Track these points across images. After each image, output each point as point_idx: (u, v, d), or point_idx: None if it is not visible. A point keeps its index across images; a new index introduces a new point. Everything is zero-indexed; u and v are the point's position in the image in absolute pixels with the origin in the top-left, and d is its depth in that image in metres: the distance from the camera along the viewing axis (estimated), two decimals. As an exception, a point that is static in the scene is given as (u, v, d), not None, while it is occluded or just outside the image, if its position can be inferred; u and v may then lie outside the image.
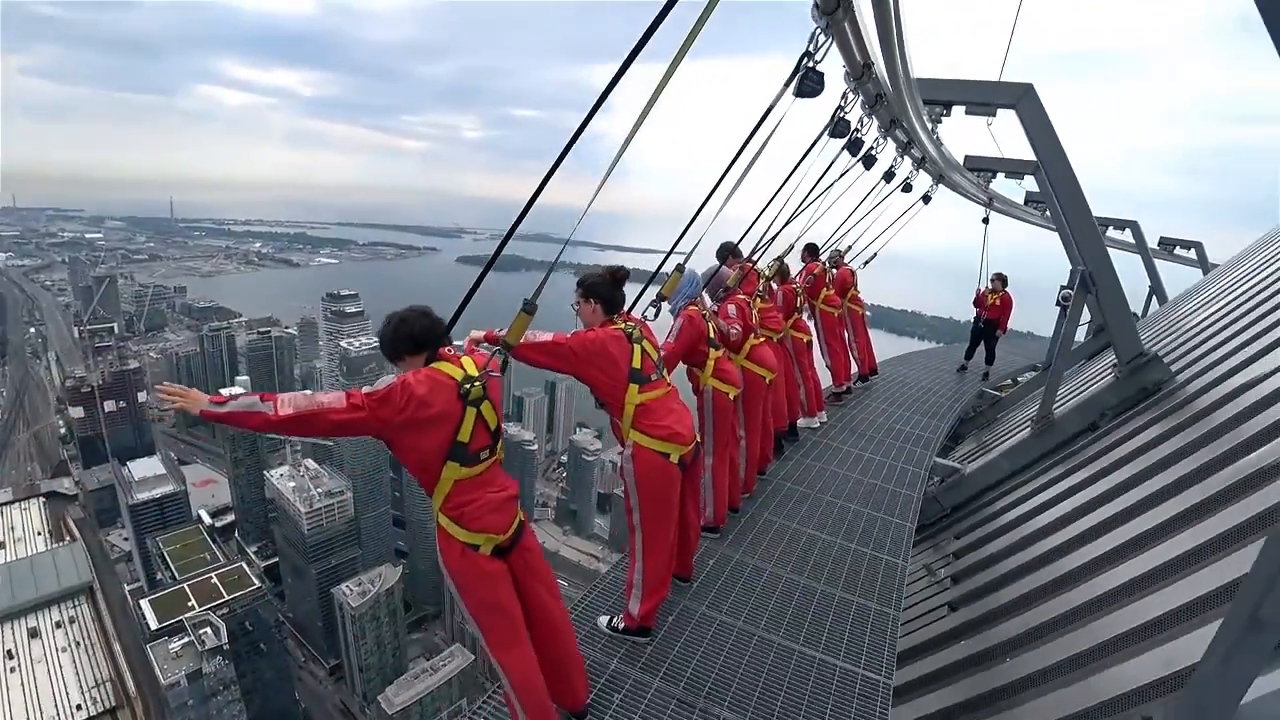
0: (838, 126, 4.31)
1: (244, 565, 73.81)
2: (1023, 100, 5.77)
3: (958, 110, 6.12)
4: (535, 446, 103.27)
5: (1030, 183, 9.94)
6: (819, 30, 2.79)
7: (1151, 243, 16.42)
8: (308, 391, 2.38)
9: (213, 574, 69.37)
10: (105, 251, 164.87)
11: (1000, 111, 5.93)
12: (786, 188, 4.89)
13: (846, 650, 3.63)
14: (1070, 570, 4.64)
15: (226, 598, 66.22)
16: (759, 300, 6.12)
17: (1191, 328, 7.67)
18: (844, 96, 4.23)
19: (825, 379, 8.60)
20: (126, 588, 72.13)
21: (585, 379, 3.28)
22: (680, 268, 3.84)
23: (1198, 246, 16.79)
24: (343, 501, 78.48)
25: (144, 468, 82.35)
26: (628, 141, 2.52)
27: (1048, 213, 10.92)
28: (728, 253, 5.64)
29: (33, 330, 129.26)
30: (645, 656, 3.39)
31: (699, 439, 3.50)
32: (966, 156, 9.59)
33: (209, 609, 63.94)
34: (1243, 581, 2.09)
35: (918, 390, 9.91)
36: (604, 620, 3.59)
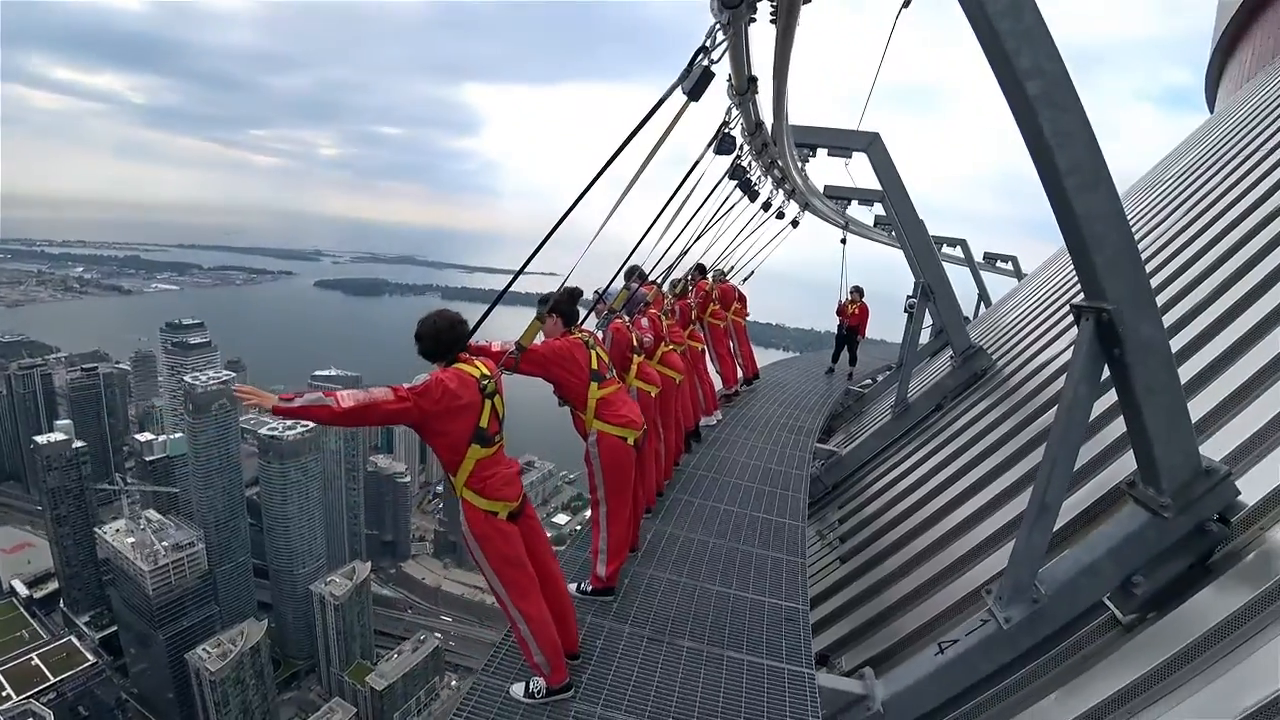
0: (735, 171, 5.20)
1: (73, 639, 64.45)
2: (872, 145, 7.14)
3: (821, 152, 7.38)
4: (408, 478, 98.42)
5: (879, 207, 11.72)
6: (733, 105, 3.56)
7: (977, 256, 19.43)
8: (361, 389, 2.89)
9: (34, 654, 59.89)
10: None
11: (855, 153, 7.27)
12: (679, 214, 5.79)
13: (770, 590, 4.49)
14: (928, 516, 5.86)
15: (52, 680, 57.49)
16: (665, 318, 7.03)
17: (1007, 325, 9.54)
18: (740, 148, 5.16)
19: (716, 383, 9.65)
20: (-86, 682, 60.37)
21: (554, 379, 3.93)
22: (628, 287, 4.55)
23: (1014, 259, 20.08)
24: (194, 554, 70.80)
25: (-66, 537, 69.54)
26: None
27: (893, 233, 12.84)
28: (636, 274, 6.47)
29: None
30: (614, 611, 4.05)
31: (645, 425, 4.23)
32: (826, 186, 11.15)
33: (30, 696, 55.10)
34: (1034, 480, 3.16)
35: (794, 391, 11.27)
36: (573, 586, 4.20)
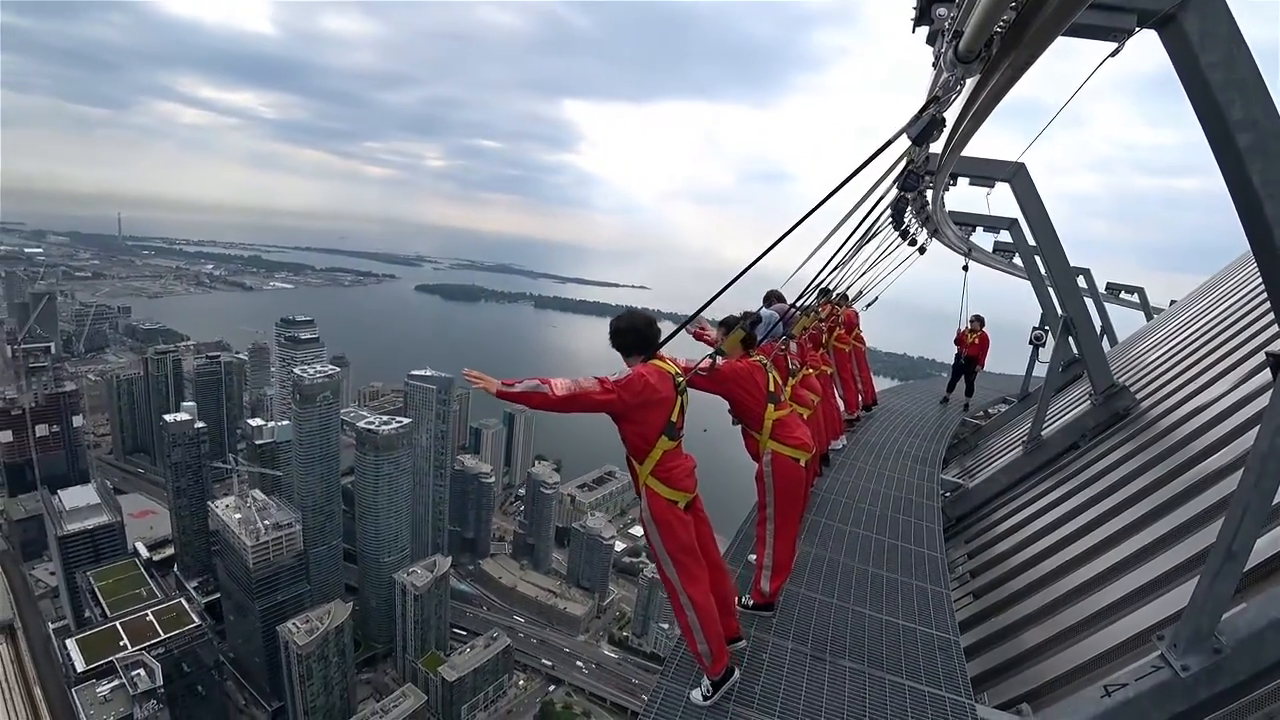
0: (908, 180, 5.11)
1: (183, 602, 70.09)
2: (1016, 175, 7.02)
3: (962, 181, 7.33)
4: (493, 479, 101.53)
5: (1004, 235, 11.35)
6: (952, 77, 3.00)
7: (1100, 287, 18.32)
8: (572, 379, 3.17)
9: (148, 611, 65.59)
10: (45, 267, 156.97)
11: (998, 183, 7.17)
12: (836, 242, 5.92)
13: (918, 617, 4.54)
14: (1068, 560, 5.68)
15: (162, 636, 62.59)
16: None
17: (1150, 362, 9.03)
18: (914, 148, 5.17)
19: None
20: (51, 626, 67.62)
21: (734, 399, 4.17)
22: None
23: (1140, 291, 18.78)
24: (291, 534, 75.48)
25: (77, 497, 77.75)
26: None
27: (1014, 260, 12.37)
28: (774, 299, 6.65)
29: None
30: (774, 627, 4.23)
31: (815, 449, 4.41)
32: (951, 213, 10.95)
33: (142, 649, 60.24)
34: (1223, 525, 3.10)
35: (911, 419, 11.08)
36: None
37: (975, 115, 3.92)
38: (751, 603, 4.33)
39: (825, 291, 9.34)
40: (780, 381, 4.37)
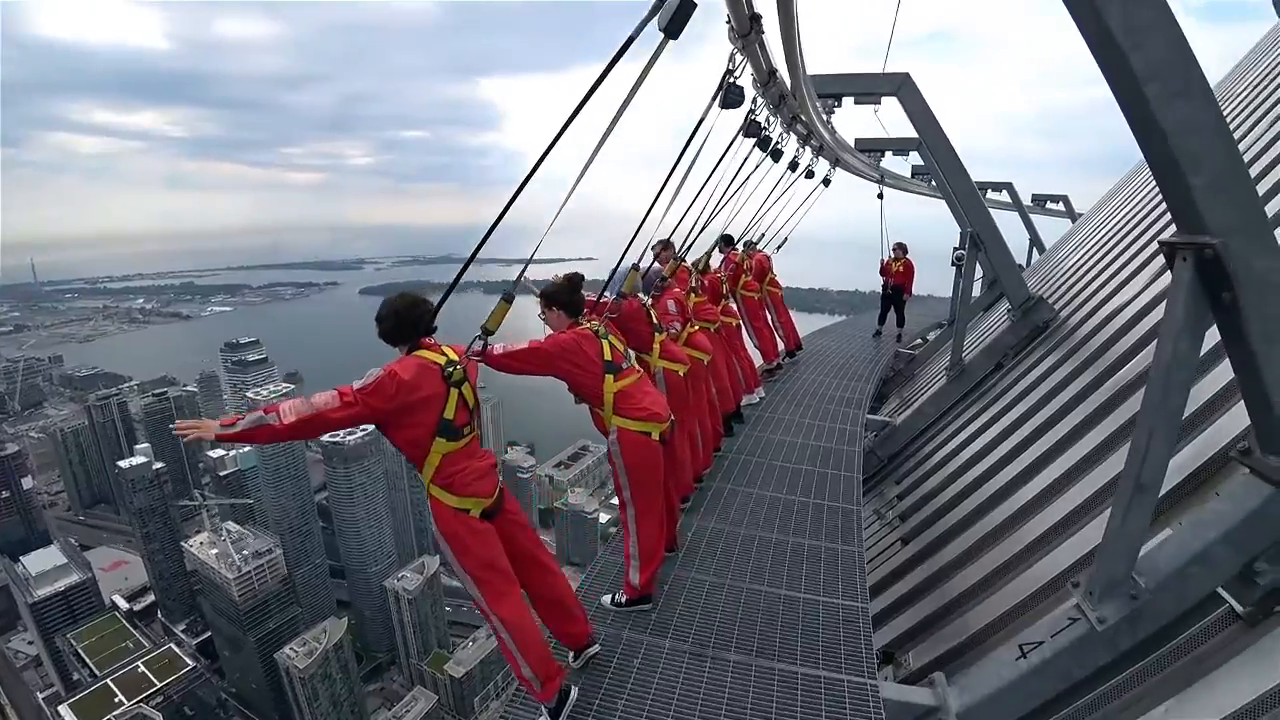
0: (750, 128, 4.79)
1: (173, 647, 68.56)
2: (902, 87, 6.51)
3: (848, 101, 6.79)
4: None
5: (915, 157, 10.94)
6: (736, 50, 3.21)
7: (1025, 200, 18.21)
8: (303, 398, 2.63)
9: (139, 663, 64.09)
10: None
11: (884, 98, 6.65)
12: (706, 186, 5.37)
13: (824, 587, 4.10)
14: (995, 492, 5.34)
15: (158, 685, 61.42)
16: (693, 295, 6.63)
17: (1067, 270, 8.76)
18: (754, 101, 4.72)
19: (756, 359, 9.20)
20: (40, 695, 65.44)
21: (564, 376, 3.62)
22: (636, 267, 4.20)
23: (1065, 199, 18.75)
24: (273, 560, 74.01)
25: (42, 560, 74.54)
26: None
27: (933, 183, 12.02)
28: (662, 248, 6.08)
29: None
30: (652, 623, 3.73)
31: (672, 416, 3.89)
32: (857, 139, 10.46)
33: (139, 701, 59.17)
34: (1129, 453, 2.67)
35: (840, 359, 10.69)
36: (607, 599, 3.90)
37: (783, 10, 3.33)
38: (625, 599, 3.85)
39: (728, 239, 8.82)
40: (620, 346, 3.81)
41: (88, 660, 65.76)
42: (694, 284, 6.41)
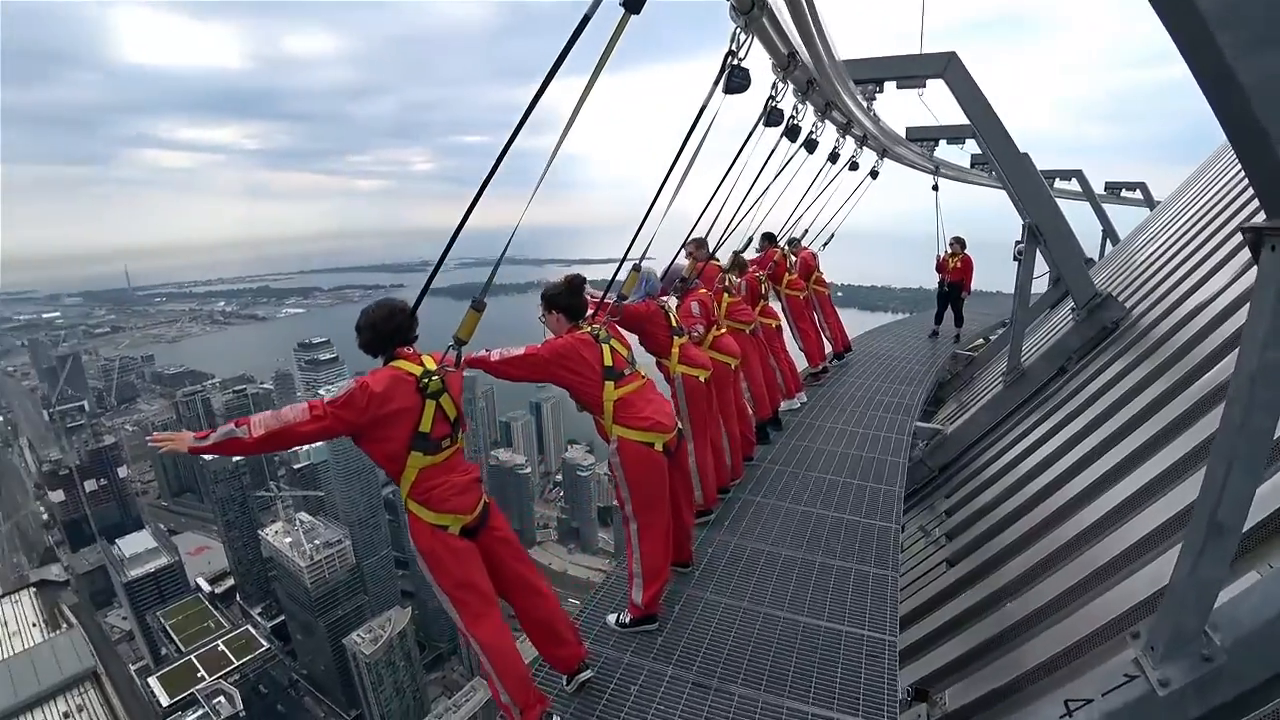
0: (771, 115, 4.47)
1: (250, 628, 72.44)
2: (948, 68, 5.98)
3: (890, 86, 6.32)
4: (529, 469, 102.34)
5: (973, 145, 10.24)
6: (738, 29, 2.95)
7: (1099, 188, 16.91)
8: (274, 411, 2.55)
9: (219, 641, 68.10)
10: (65, 330, 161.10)
11: (931, 82, 6.14)
12: (740, 180, 5.07)
13: (850, 615, 3.75)
14: (1054, 511, 4.81)
15: (236, 663, 65.11)
16: (727, 296, 6.32)
17: (1141, 264, 7.96)
18: (774, 87, 4.39)
19: (801, 362, 8.78)
20: (132, 667, 70.32)
21: (562, 383, 3.43)
22: (637, 268, 3.96)
23: (1142, 186, 17.29)
24: (342, 550, 77.18)
25: (134, 543, 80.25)
26: (553, 156, 2.64)
27: (994, 172, 11.24)
28: (696, 247, 5.82)
29: (1, 419, 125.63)
30: (657, 647, 3.48)
31: (680, 425, 3.63)
32: (908, 128, 9.86)
33: (220, 677, 62.83)
34: (1202, 485, 2.23)
35: (892, 361, 10.12)
36: (612, 618, 3.69)
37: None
38: (628, 619, 3.60)
39: (769, 237, 8.44)
40: (623, 351, 3.58)
41: (174, 637, 70.34)
42: (724, 284, 6.10)
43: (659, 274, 4.63)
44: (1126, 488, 4.24)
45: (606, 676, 3.24)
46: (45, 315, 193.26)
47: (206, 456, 2.90)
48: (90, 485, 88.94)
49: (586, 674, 3.15)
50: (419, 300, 2.89)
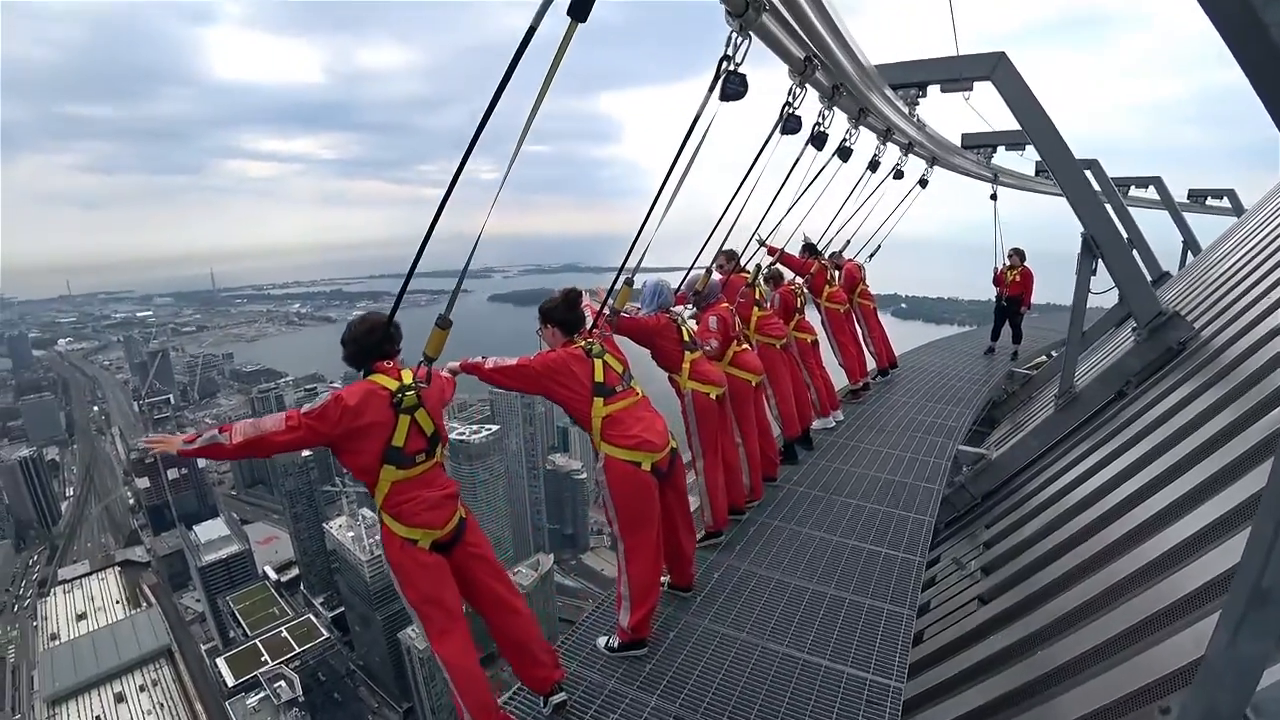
0: (788, 123, 4.27)
1: (312, 617, 75.56)
2: (997, 69, 5.61)
3: (934, 90, 5.99)
4: (584, 475, 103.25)
5: (1034, 152, 9.66)
6: (733, 33, 2.82)
7: (1180, 196, 15.71)
8: (255, 419, 2.61)
9: (282, 628, 71.27)
10: (156, 327, 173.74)
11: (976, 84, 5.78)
12: (768, 188, 4.91)
13: (855, 656, 3.50)
14: (1102, 549, 4.37)
15: (297, 650, 67.93)
16: (757, 310, 6.13)
17: (1215, 279, 7.28)
18: (790, 93, 4.19)
19: (841, 379, 8.44)
20: (202, 647, 74.40)
21: (553, 397, 3.38)
22: (629, 282, 3.82)
23: (1230, 194, 15.95)
24: (401, 546, 79.82)
25: (209, 530, 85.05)
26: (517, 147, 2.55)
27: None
28: (726, 259, 5.67)
29: (96, 409, 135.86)
30: (644, 675, 3.34)
31: (674, 444, 3.49)
32: (963, 135, 9.40)
33: (282, 662, 65.69)
34: (1245, 549, 1.93)
35: (942, 379, 9.63)
36: (602, 641, 3.57)
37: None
38: (617, 643, 3.47)
39: (811, 248, 8.18)
40: (616, 367, 3.46)
41: (242, 621, 74.03)
42: (745, 296, 5.91)
43: (668, 289, 4.48)
44: (1182, 530, 3.80)
45: (586, 703, 3.12)
46: (139, 314, 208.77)
47: (202, 461, 2.96)
48: (172, 474, 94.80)
49: (560, 696, 3.06)
50: (393, 311, 2.88)
